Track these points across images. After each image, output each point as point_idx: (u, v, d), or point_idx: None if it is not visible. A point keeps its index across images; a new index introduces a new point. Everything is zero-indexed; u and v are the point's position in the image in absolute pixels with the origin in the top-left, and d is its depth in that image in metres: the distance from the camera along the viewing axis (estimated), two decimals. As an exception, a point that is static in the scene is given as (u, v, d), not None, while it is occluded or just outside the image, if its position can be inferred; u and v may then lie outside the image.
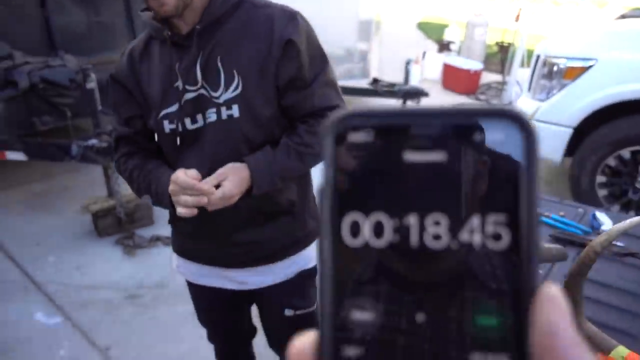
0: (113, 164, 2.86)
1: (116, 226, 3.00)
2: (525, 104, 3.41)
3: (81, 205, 2.96)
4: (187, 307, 2.42)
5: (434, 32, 12.11)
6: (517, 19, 6.49)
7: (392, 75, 6.13)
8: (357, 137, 0.19)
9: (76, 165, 3.18)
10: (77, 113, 3.23)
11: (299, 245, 1.21)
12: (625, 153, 2.96)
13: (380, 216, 0.19)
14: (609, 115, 2.92)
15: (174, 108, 1.04)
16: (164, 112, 1.05)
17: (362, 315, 0.19)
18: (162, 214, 3.36)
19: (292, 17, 1.03)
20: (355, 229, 0.19)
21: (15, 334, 2.17)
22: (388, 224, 0.19)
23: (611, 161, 3.00)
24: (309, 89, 1.06)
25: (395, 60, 7.30)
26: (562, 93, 3.04)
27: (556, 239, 1.34)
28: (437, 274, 0.19)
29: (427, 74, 7.39)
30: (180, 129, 1.05)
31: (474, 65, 6.88)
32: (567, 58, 3.06)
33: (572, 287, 0.79)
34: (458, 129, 0.19)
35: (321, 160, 0.20)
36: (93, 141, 2.77)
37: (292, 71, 1.03)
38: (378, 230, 0.19)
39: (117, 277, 2.61)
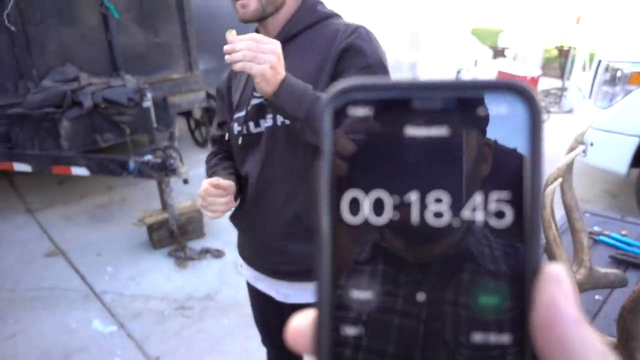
0: (167, 178, 3.00)
1: (169, 238, 3.12)
2: (586, 111, 3.21)
3: (137, 219, 3.10)
4: (232, 320, 2.49)
5: (488, 38, 11.77)
6: (577, 21, 6.17)
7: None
8: (357, 111, 0.19)
9: (134, 179, 3.35)
10: (135, 130, 3.42)
11: None
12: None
13: (381, 193, 0.19)
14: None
15: (242, 113, 1.11)
16: (235, 115, 1.14)
17: (360, 294, 0.19)
18: (213, 227, 3.46)
19: (354, 29, 1.05)
20: (354, 207, 0.19)
21: (75, 341, 2.29)
22: (388, 201, 0.19)
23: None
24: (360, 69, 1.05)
25: (447, 69, 7.15)
26: (626, 99, 2.84)
27: (616, 261, 1.24)
28: (438, 252, 0.18)
29: (480, 82, 7.17)
30: (244, 131, 1.11)
31: (531, 71, 6.59)
32: (632, 63, 2.86)
33: (627, 322, 0.72)
34: (461, 103, 0.18)
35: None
36: (148, 157, 2.91)
37: (346, 69, 1.03)
38: (378, 207, 0.19)
39: (169, 288, 2.70)
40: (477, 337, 0.18)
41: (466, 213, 0.18)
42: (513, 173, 0.18)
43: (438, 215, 0.18)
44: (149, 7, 3.98)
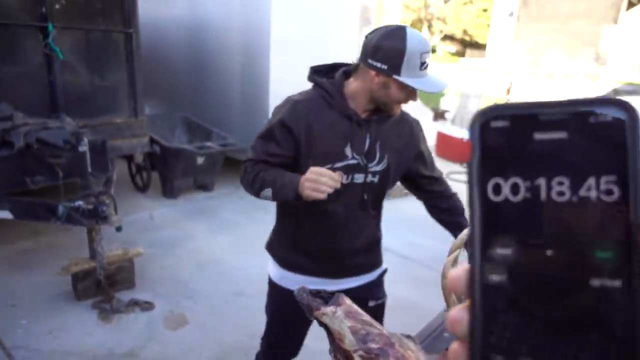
0: (97, 226, 2.88)
1: (95, 289, 2.96)
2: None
3: (60, 267, 2.93)
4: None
5: (432, 100, 12.52)
6: (508, 92, 6.74)
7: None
8: (497, 123, 0.25)
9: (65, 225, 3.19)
10: (69, 173, 3.29)
11: (378, 263, 1.63)
12: None
13: (517, 179, 0.25)
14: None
15: (341, 164, 1.38)
16: (333, 164, 1.37)
17: (504, 250, 0.25)
18: (144, 277, 3.32)
19: (421, 126, 1.56)
20: (497, 189, 0.25)
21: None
22: (523, 185, 0.25)
23: None
24: (434, 172, 1.60)
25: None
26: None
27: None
28: (562, 220, 0.24)
29: (422, 141, 7.55)
30: (347, 180, 1.40)
31: (467, 134, 7.04)
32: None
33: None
34: (576, 115, 0.24)
35: None
36: (79, 202, 2.81)
37: (419, 162, 1.54)
38: (515, 189, 0.25)
39: (89, 343, 2.54)
40: (595, 282, 0.23)
41: (582, 192, 0.24)
42: (618, 162, 0.23)
43: (560, 193, 0.24)
44: (96, 50, 3.97)
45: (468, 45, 28.62)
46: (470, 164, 0.26)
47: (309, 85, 1.45)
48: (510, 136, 0.25)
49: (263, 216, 3.89)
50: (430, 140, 7.48)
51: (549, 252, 0.24)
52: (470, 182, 0.26)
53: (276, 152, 1.40)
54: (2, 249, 3.58)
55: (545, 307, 0.24)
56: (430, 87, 1.31)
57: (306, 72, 1.45)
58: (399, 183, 1.59)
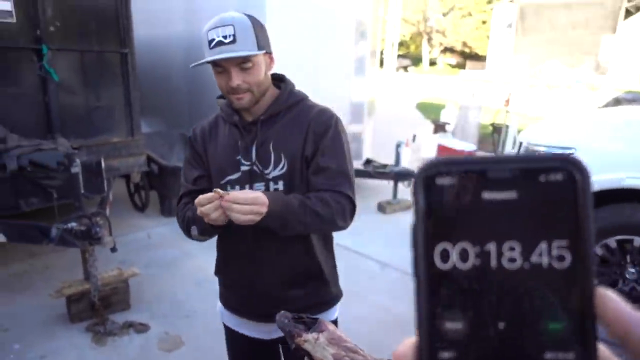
0: (90, 247, 2.85)
1: (90, 311, 2.92)
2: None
3: (55, 289, 2.90)
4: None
5: (431, 112, 12.52)
6: (506, 103, 6.72)
7: (387, 155, 6.25)
8: (443, 180, 0.23)
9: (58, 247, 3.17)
10: (63, 195, 3.27)
11: (322, 306, 1.40)
12: (612, 242, 2.90)
13: (465, 244, 0.23)
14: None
15: (235, 176, 1.29)
16: (227, 178, 1.30)
17: (453, 324, 0.23)
18: (139, 298, 3.27)
19: (328, 119, 1.30)
20: (445, 255, 0.23)
21: None
22: (472, 250, 0.23)
23: (598, 250, 2.93)
24: (329, 173, 1.27)
25: (390, 140, 7.48)
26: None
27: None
28: (513, 289, 0.23)
29: (422, 153, 7.52)
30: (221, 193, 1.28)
31: (468, 146, 7.01)
32: (547, 147, 3.11)
33: None
34: (526, 173, 0.23)
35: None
36: (73, 224, 2.78)
37: (318, 158, 1.27)
38: (464, 255, 0.23)
39: (81, 368, 2.49)
40: (549, 356, 0.22)
41: (534, 258, 0.23)
42: (569, 225, 0.22)
43: (512, 260, 0.23)
44: (92, 70, 3.98)
45: (468, 57, 28.77)
46: (415, 227, 0.24)
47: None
48: (457, 195, 0.23)
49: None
50: (432, 153, 7.45)
51: (500, 325, 0.23)
52: (415, 247, 0.24)
53: (198, 175, 1.36)
54: (-3, 271, 3.55)
55: None
56: (213, 54, 1.19)
57: (301, 87, 1.43)
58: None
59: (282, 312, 1.12)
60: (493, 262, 0.23)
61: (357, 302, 3.11)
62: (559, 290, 0.22)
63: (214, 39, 1.18)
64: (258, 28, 1.22)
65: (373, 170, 5.24)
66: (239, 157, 1.28)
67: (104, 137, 4.03)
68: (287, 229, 1.20)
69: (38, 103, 3.64)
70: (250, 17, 1.23)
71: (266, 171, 1.27)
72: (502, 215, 0.23)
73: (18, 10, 3.30)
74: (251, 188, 1.26)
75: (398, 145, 5.21)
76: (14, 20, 3.33)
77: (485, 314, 0.23)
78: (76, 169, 2.80)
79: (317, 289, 1.38)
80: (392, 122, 9.93)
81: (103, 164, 3.40)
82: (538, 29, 20.30)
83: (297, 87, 1.40)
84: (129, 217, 4.77)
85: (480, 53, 26.62)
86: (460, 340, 0.23)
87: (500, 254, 0.23)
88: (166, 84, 5.81)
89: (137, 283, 3.18)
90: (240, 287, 1.39)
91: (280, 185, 1.27)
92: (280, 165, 1.27)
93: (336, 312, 1.45)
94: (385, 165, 5.29)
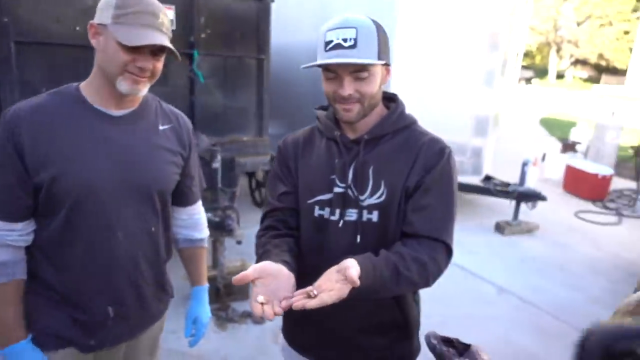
0: (222, 237, 3.09)
1: (214, 296, 3.16)
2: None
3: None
4: (263, 395, 2.42)
5: (558, 129, 11.52)
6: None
7: (507, 172, 5.88)
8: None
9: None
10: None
11: (403, 359, 1.25)
12: None
13: None
14: None
15: (326, 196, 1.15)
16: (317, 197, 1.16)
17: None
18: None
19: (440, 151, 1.13)
20: None
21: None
22: None
23: None
24: (431, 214, 1.10)
25: (511, 157, 7.03)
26: None
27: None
28: None
29: (547, 173, 6.96)
30: (327, 216, 1.15)
31: (604, 169, 6.32)
32: None
33: None
34: None
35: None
36: (208, 215, 3.03)
37: (422, 193, 1.11)
38: None
39: (206, 348, 2.70)
40: None
41: None
42: None
43: None
44: (231, 74, 4.33)
45: (604, 70, 26.00)
46: None
47: (431, 111, 1.31)
48: None
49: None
50: (558, 174, 6.85)
51: None
52: None
53: (284, 191, 1.22)
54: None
55: None
56: (329, 57, 1.05)
57: (430, 98, 1.32)
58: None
59: (431, 331, 1.09)
60: None
61: (473, 328, 2.96)
62: None
63: (331, 41, 1.05)
64: (382, 36, 1.09)
65: (493, 188, 4.96)
66: (333, 177, 1.14)
67: (236, 135, 4.35)
68: (376, 297, 1.05)
69: (185, 102, 4.04)
70: (375, 22, 1.10)
71: (361, 197, 1.12)
72: None
73: (178, 19, 3.70)
74: (342, 213, 1.13)
75: (524, 164, 4.87)
76: (174, 27, 3.75)
77: None
78: (217, 164, 3.05)
79: (400, 341, 1.23)
80: (513, 138, 9.32)
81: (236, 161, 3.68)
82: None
83: (421, 96, 1.24)
84: (248, 212, 5.09)
85: (619, 66, 23.89)
86: None
87: None
88: (293, 88, 6.10)
89: (256, 275, 3.37)
90: (311, 325, 1.21)
91: (375, 216, 1.12)
92: (378, 194, 1.12)
93: None
94: (507, 184, 4.98)
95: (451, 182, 1.14)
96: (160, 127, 1.26)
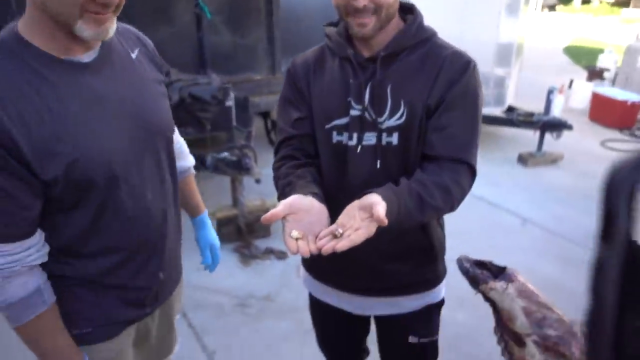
0: (240, 176, 3.07)
1: (236, 234, 3.19)
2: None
3: (209, 212, 3.20)
4: (290, 324, 2.48)
5: (583, 57, 10.98)
6: (694, 45, 5.55)
7: (530, 103, 5.66)
8: None
9: (210, 173, 3.47)
10: (215, 126, 3.53)
11: (428, 284, 1.23)
12: None
13: None
14: None
15: (343, 121, 1.08)
16: (334, 122, 1.09)
17: None
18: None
19: (464, 65, 1.04)
20: None
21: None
22: None
23: None
24: (453, 133, 1.04)
25: (534, 87, 6.75)
26: None
27: None
28: None
29: (572, 103, 6.69)
30: (345, 141, 1.09)
31: (632, 96, 6.03)
32: None
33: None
34: None
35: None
36: (225, 154, 2.99)
37: (444, 112, 1.03)
38: None
39: (231, 283, 2.76)
40: None
41: None
42: None
43: None
44: (238, 9, 4.12)
45: (634, -8, 24.31)
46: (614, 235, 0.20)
47: (452, 40, 1.12)
48: None
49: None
50: (583, 103, 6.58)
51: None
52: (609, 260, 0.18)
53: (299, 117, 1.14)
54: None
55: None
56: None
57: (451, 27, 1.20)
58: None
59: (464, 255, 1.05)
60: None
61: (497, 259, 2.92)
62: None
63: None
64: None
65: (516, 119, 4.79)
66: (349, 99, 1.06)
67: (248, 74, 4.21)
68: (400, 228, 0.98)
69: (192, 40, 3.89)
70: None
71: (380, 119, 1.05)
72: None
73: (179, -51, 3.48)
74: (360, 137, 1.06)
75: (550, 92, 4.65)
76: (175, -41, 3.54)
77: None
78: (230, 102, 2.97)
79: (425, 265, 1.21)
80: (537, 67, 8.92)
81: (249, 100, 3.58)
82: None
83: (441, 25, 1.12)
84: (264, 152, 5.05)
85: (652, -14, 22.28)
86: None
87: None
88: (305, 23, 5.84)
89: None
90: (333, 254, 1.13)
91: (395, 139, 1.05)
92: (398, 114, 1.04)
93: (442, 291, 1.28)
94: (531, 114, 4.79)
95: (476, 98, 1.05)
96: (133, 56, 1.03)
